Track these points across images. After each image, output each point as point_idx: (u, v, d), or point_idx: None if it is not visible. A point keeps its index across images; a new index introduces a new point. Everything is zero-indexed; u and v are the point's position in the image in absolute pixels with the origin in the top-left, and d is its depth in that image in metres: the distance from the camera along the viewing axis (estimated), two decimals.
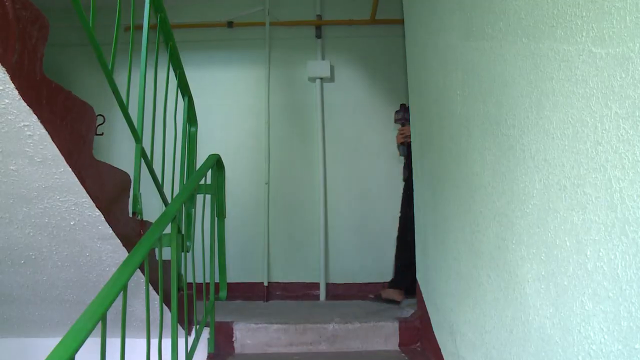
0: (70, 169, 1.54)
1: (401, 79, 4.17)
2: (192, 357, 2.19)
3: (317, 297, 3.91)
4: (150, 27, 2.10)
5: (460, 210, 1.92)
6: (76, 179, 1.57)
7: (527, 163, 1.30)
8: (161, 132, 2.27)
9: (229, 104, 4.20)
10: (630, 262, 0.87)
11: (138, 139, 1.99)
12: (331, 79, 4.16)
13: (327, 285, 3.92)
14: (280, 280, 3.99)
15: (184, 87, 2.54)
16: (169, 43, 2.35)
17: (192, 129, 2.67)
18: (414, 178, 2.89)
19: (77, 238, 1.85)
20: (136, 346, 2.64)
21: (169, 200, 2.35)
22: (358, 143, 4.09)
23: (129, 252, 1.91)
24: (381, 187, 4.07)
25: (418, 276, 2.82)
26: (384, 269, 3.88)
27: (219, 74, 4.21)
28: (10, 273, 2.08)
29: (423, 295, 2.65)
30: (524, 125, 1.31)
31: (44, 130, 1.41)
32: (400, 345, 2.65)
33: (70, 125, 1.55)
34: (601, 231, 0.96)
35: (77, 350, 1.23)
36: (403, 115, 3.40)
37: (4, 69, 1.25)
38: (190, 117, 2.63)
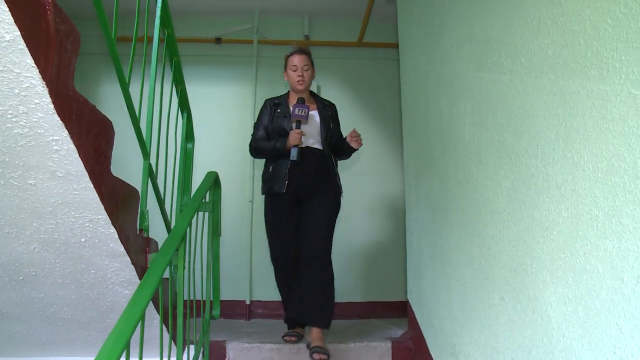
0: (92, 185, 1.52)
1: (388, 101, 4.29)
2: None
3: None
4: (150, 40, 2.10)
5: (466, 234, 1.98)
6: (96, 196, 1.55)
7: (551, 192, 1.36)
8: (159, 148, 2.26)
9: (215, 119, 4.19)
10: None
11: (147, 155, 1.97)
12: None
13: None
14: (262, 299, 3.96)
15: (184, 103, 2.53)
16: (174, 59, 2.35)
17: (190, 145, 2.66)
18: (406, 202, 2.96)
19: (84, 255, 1.81)
20: None
21: (168, 216, 2.33)
22: (344, 162, 4.14)
23: (136, 270, 1.89)
24: (364, 206, 4.13)
25: (410, 297, 2.86)
26: (368, 287, 3.92)
27: (205, 89, 4.19)
28: (5, 289, 2.01)
29: (416, 316, 2.69)
30: (549, 156, 1.38)
31: (72, 146, 1.39)
32: None
33: (94, 141, 1.54)
34: (638, 259, 1.03)
35: None
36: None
37: (44, 82, 1.24)
38: (188, 134, 2.62)
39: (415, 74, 2.79)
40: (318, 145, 2.87)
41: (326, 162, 2.87)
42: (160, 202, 2.19)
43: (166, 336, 2.16)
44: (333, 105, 3.08)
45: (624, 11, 1.08)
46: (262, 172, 2.99)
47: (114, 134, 1.71)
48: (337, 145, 2.98)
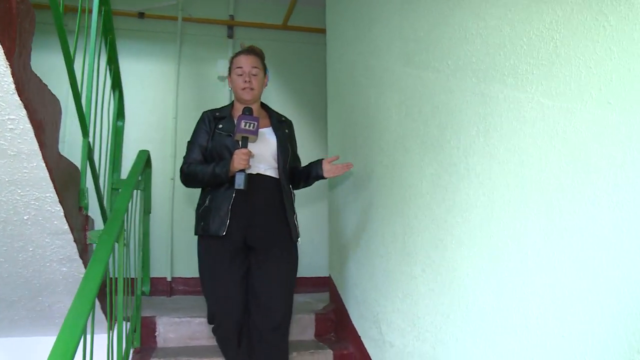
0: (43, 164, 1.54)
1: (313, 86, 4.43)
2: (125, 352, 2.22)
3: None
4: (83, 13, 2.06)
5: (390, 214, 2.20)
6: (47, 174, 1.57)
7: (471, 179, 1.60)
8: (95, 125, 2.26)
9: (136, 96, 4.09)
10: (565, 259, 1.19)
11: (86, 132, 1.97)
12: None
13: None
14: (183, 276, 4.02)
15: (117, 80, 2.52)
16: (109, 36, 2.34)
17: (120, 123, 2.65)
18: (329, 184, 3.15)
19: (25, 233, 1.80)
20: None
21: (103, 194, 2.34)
22: None
23: (77, 247, 1.91)
24: None
25: (331, 272, 3.08)
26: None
27: (126, 64, 4.07)
28: None
29: (338, 290, 2.92)
30: (470, 149, 1.61)
31: (28, 125, 1.41)
32: (316, 335, 2.90)
33: (47, 120, 1.55)
34: (541, 236, 1.28)
35: (77, 346, 1.28)
36: None
37: (7, 63, 1.25)
38: (120, 112, 2.61)
39: (343, 62, 2.97)
40: (272, 173, 2.24)
41: (282, 196, 2.23)
42: (96, 180, 2.20)
43: (99, 312, 2.21)
44: (290, 121, 2.46)
45: (536, 34, 1.31)
46: (196, 205, 2.33)
47: (61, 112, 1.72)
48: (295, 172, 2.38)
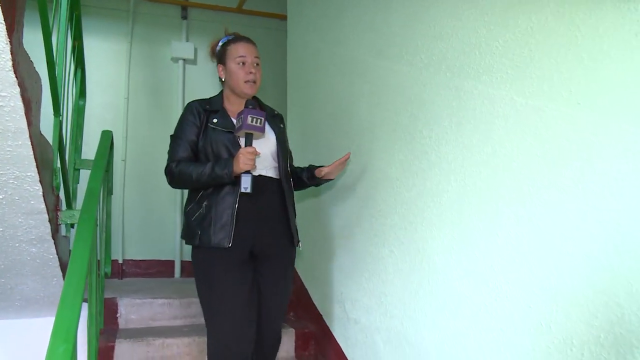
0: (29, 142, 1.53)
1: (266, 71, 4.45)
2: (96, 333, 2.21)
3: (171, 275, 4.01)
4: None
5: (357, 197, 2.32)
6: (31, 152, 1.56)
7: (442, 166, 1.74)
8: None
9: (86, 73, 3.98)
10: (532, 240, 1.35)
11: (58, 111, 1.94)
12: (194, 61, 4.24)
13: (182, 262, 4.05)
14: (134, 258, 3.98)
15: (81, 59, 2.47)
16: (75, 13, 2.28)
17: (82, 103, 2.60)
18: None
19: None
20: (16, 326, 2.53)
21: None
22: None
23: (50, 228, 1.89)
24: None
25: None
26: None
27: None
28: None
29: (297, 271, 3.02)
30: (442, 138, 1.75)
31: (20, 103, 1.40)
32: None
33: (34, 97, 1.53)
34: (511, 220, 1.44)
35: (78, 319, 1.30)
36: None
37: (8, 40, 1.24)
38: (82, 90, 2.56)
39: (306, 49, 3.04)
40: (273, 173, 2.04)
41: (285, 198, 2.05)
42: (64, 159, 2.16)
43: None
44: (281, 115, 2.26)
45: (512, 37, 1.45)
46: (185, 208, 2.03)
47: (42, 90, 1.69)
48: (296, 170, 2.24)
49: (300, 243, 2.12)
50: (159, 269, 4.02)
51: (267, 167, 2.02)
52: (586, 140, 1.23)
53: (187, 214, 2.00)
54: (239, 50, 2.02)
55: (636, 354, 1.07)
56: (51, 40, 1.71)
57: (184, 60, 4.19)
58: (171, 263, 4.04)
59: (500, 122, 1.49)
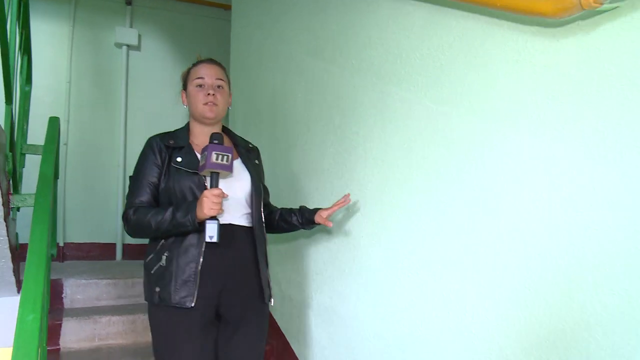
0: None
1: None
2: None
3: (113, 258, 4.09)
4: None
5: (290, 187, 2.53)
6: None
7: (368, 160, 1.98)
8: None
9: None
10: (439, 221, 1.62)
11: (10, 99, 2.02)
12: (138, 47, 4.28)
13: (124, 246, 4.13)
14: (75, 241, 4.02)
15: (28, 45, 2.52)
16: (22, 0, 2.34)
17: (27, 88, 2.65)
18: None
19: None
20: None
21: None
22: (163, 113, 4.33)
23: (3, 211, 1.97)
24: None
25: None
26: None
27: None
28: None
29: None
30: (368, 135, 1.98)
31: None
32: None
33: None
34: (423, 206, 1.70)
35: (42, 291, 1.44)
36: None
37: None
38: (28, 76, 2.61)
39: (250, 44, 3.19)
40: (245, 221, 1.83)
41: (256, 250, 1.83)
42: (14, 145, 2.24)
43: (9, 275, 2.28)
44: (257, 148, 2.06)
45: (427, 52, 1.70)
46: (145, 259, 1.77)
47: None
48: (273, 211, 2.05)
49: (272, 299, 1.90)
50: (101, 251, 4.09)
51: (238, 214, 1.80)
52: (482, 142, 1.49)
53: (145, 266, 1.77)
54: (198, 72, 1.86)
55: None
56: (5, 27, 1.79)
57: (127, 46, 4.23)
58: (112, 246, 4.12)
59: (415, 124, 1.74)
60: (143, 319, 2.59)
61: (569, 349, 1.19)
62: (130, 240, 4.20)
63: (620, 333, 1.07)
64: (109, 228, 4.12)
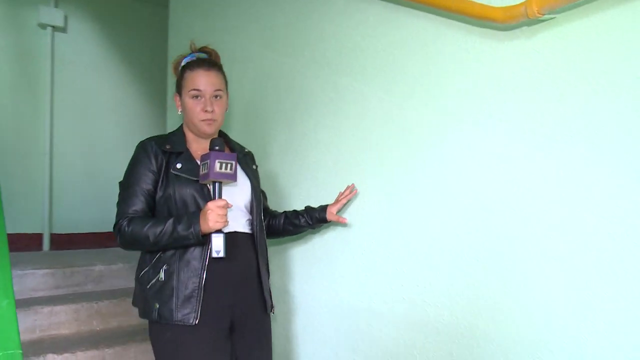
0: None
1: (139, 43, 4.45)
2: None
3: (40, 248, 3.92)
4: None
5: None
6: None
7: (320, 148, 2.09)
8: None
9: None
10: (389, 203, 1.77)
11: None
12: (64, 29, 4.09)
13: (52, 235, 3.97)
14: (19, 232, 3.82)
15: None
16: None
17: None
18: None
19: None
20: None
21: None
22: (91, 97, 4.18)
23: None
24: (117, 140, 4.29)
25: None
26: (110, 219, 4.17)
27: None
28: None
29: None
30: (320, 124, 2.10)
31: None
32: None
33: None
34: (375, 190, 1.84)
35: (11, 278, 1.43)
36: None
37: None
38: None
39: (191, 34, 3.17)
40: (246, 228, 1.74)
41: (258, 258, 1.74)
42: None
43: None
44: (252, 153, 1.98)
45: (381, 48, 1.84)
46: (138, 273, 1.67)
47: None
48: (276, 220, 1.99)
49: (274, 309, 1.82)
50: (26, 242, 3.89)
51: (241, 222, 1.72)
52: (432, 132, 1.66)
53: (139, 280, 1.64)
54: (194, 81, 1.66)
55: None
56: None
57: (52, 27, 4.02)
58: (39, 236, 3.94)
59: (369, 114, 1.88)
60: (87, 307, 2.55)
61: (513, 309, 1.39)
62: (58, 230, 4.04)
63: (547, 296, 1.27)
64: (35, 217, 3.93)
